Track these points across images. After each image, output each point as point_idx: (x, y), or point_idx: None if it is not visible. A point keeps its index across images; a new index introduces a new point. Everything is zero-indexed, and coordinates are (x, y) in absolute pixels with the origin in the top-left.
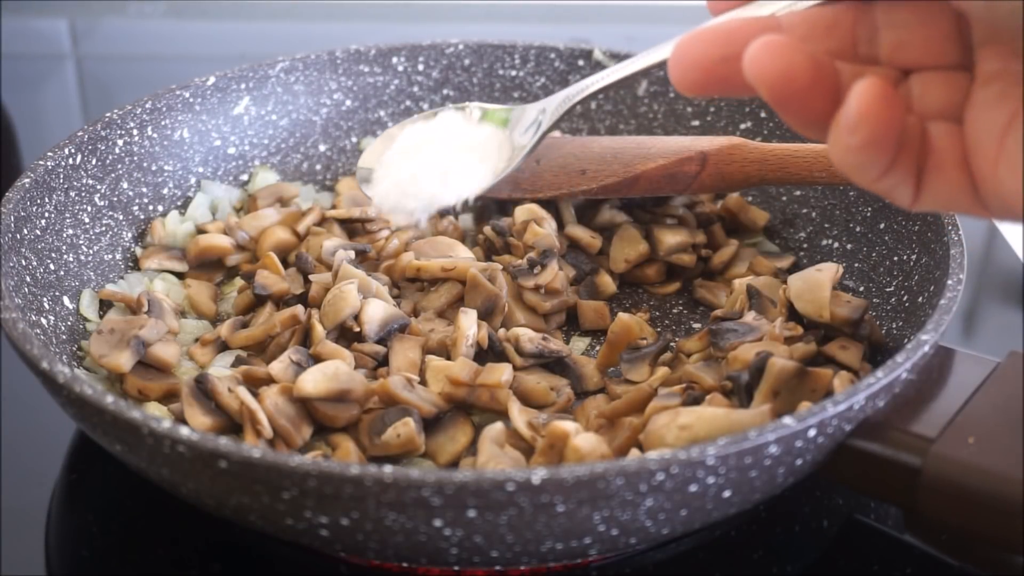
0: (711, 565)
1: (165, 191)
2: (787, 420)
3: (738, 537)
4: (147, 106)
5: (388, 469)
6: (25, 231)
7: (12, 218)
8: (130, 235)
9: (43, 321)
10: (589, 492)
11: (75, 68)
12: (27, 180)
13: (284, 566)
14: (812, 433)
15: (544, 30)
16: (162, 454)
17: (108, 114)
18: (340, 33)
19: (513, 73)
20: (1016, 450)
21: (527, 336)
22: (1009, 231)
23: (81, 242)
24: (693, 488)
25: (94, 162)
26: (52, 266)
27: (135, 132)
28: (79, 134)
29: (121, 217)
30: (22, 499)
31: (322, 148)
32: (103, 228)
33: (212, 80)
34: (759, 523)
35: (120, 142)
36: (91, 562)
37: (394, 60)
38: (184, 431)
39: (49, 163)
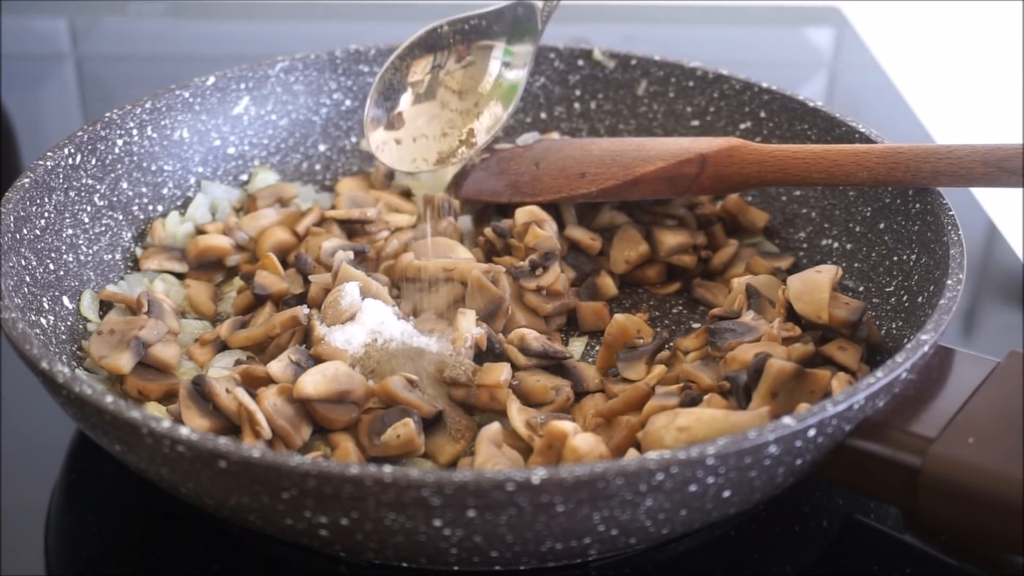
0: (711, 565)
1: (165, 191)
2: (787, 420)
3: (738, 537)
4: (147, 106)
5: (388, 469)
6: (25, 231)
7: (12, 218)
8: (130, 235)
9: (43, 321)
10: (589, 492)
11: (75, 68)
12: (27, 180)
13: (284, 566)
14: (812, 433)
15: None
16: (162, 454)
17: (108, 114)
18: (340, 33)
19: None
20: (1016, 450)
21: (532, 335)
22: (1009, 231)
23: (81, 242)
24: (693, 488)
25: (94, 162)
26: (52, 266)
27: (135, 132)
28: (79, 134)
29: (121, 217)
30: (22, 499)
31: (322, 148)
32: (103, 228)
33: (212, 80)
34: (759, 523)
35: (120, 142)
36: (91, 562)
37: None
38: (184, 431)
39: (49, 163)
